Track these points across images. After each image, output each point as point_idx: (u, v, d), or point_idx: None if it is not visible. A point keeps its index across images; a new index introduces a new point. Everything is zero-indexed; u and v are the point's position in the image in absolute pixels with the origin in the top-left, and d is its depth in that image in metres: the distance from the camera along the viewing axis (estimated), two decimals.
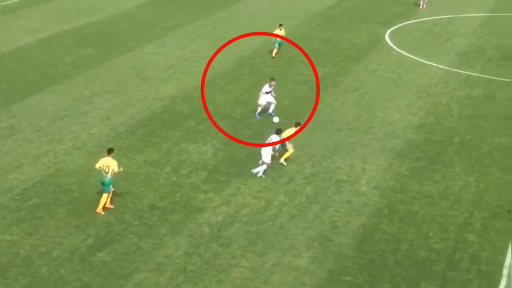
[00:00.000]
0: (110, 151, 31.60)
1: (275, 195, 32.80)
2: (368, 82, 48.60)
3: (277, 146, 35.26)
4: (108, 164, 31.01)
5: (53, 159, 36.15)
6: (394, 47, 57.39)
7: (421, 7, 72.16)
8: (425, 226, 30.55)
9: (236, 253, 28.14)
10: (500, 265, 27.79)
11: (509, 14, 69.59)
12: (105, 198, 31.13)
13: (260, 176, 34.49)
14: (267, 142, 34.91)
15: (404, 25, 64.24)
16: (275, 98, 42.26)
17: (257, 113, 42.16)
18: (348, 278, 26.82)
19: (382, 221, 30.88)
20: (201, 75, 49.55)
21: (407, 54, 55.28)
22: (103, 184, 31.14)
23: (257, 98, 42.28)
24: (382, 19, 66.11)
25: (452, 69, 51.78)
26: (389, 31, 62.09)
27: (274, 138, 35.04)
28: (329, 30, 62.22)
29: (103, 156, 31.44)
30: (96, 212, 30.93)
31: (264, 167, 34.72)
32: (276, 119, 38.95)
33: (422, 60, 53.79)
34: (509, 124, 41.76)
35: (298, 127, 36.33)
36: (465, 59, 54.40)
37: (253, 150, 37.50)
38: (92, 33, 60.02)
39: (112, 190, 31.28)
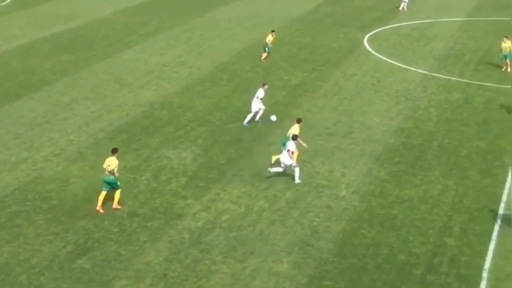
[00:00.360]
0: (114, 151, 32.10)
1: (255, 201, 32.78)
2: (347, 87, 48.73)
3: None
4: (110, 163, 31.61)
5: (32, 166, 35.98)
6: (373, 51, 57.60)
7: (401, 9, 72.67)
8: (404, 230, 30.62)
9: (217, 259, 28.09)
10: (480, 268, 27.88)
11: (486, 19, 69.97)
12: (118, 195, 31.67)
13: (298, 182, 34.34)
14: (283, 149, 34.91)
15: (382, 29, 64.53)
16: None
17: (246, 121, 41.69)
18: (328, 283, 26.82)
19: (362, 225, 30.92)
20: (180, 81, 49.53)
21: (385, 59, 55.49)
22: (109, 183, 31.59)
23: (235, 101, 42.22)
24: (361, 24, 66.38)
25: (430, 74, 52.02)
26: (367, 36, 62.34)
27: (288, 142, 34.96)
28: (307, 35, 62.37)
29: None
30: (113, 209, 31.52)
31: (297, 170, 34.60)
32: (273, 117, 39.91)
33: (401, 65, 54.00)
34: (487, 127, 41.98)
35: (301, 123, 36.83)
36: (443, 64, 54.65)
37: (232, 156, 37.54)
38: (71, 39, 59.88)
39: (113, 188, 31.73)
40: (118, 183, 31.79)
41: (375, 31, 64.10)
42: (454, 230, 30.69)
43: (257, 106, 41.91)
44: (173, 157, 37.25)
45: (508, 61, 52.06)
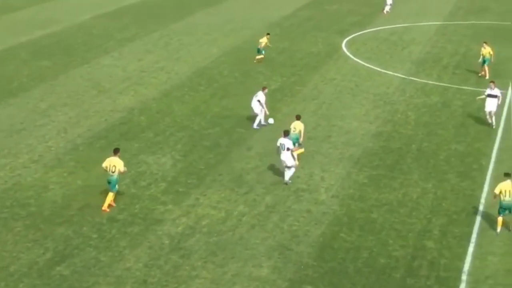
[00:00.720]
0: (116, 151, 32.60)
1: (234, 206, 32.76)
2: (325, 91, 48.82)
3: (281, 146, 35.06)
4: (115, 164, 32.02)
5: (9, 173, 35.75)
6: (351, 56, 57.78)
7: (385, 12, 73.21)
8: (384, 233, 30.69)
9: (197, 264, 28.03)
10: (459, 271, 28.00)
11: (462, 23, 70.36)
12: (110, 197, 32.06)
13: (287, 181, 34.69)
14: (278, 146, 34.91)
15: (360, 34, 64.74)
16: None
17: (256, 124, 42.03)
18: (308, 287, 26.82)
19: (341, 229, 30.96)
20: (159, 86, 49.46)
21: (364, 63, 55.68)
22: (109, 183, 32.14)
23: (214, 107, 42.26)
24: (339, 28, 66.60)
25: (408, 77, 52.23)
26: (345, 40, 62.53)
27: (284, 140, 34.95)
28: (286, 40, 62.47)
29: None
30: (102, 210, 31.79)
31: (292, 170, 34.85)
32: (271, 120, 41.35)
33: (379, 69, 54.20)
34: (465, 131, 42.18)
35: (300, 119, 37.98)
36: (421, 67, 54.89)
37: (211, 161, 37.50)
38: (48, 45, 59.66)
39: (109, 188, 32.16)
40: (117, 186, 32.28)
41: (353, 35, 64.31)
42: (433, 233, 30.79)
43: (258, 108, 42.12)
44: (152, 162, 37.15)
45: (486, 66, 52.27)
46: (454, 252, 29.31)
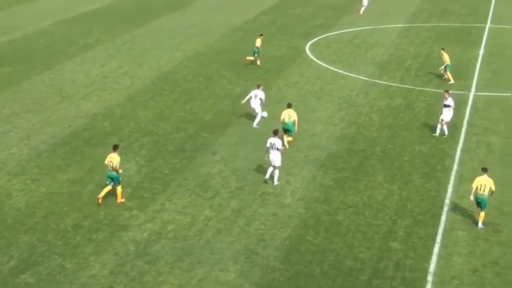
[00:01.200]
0: (115, 147, 33.53)
1: (200, 210, 32.67)
2: (290, 94, 48.85)
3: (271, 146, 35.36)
4: (112, 159, 32.89)
5: None
6: (315, 59, 57.92)
7: (361, 13, 73.86)
8: (350, 235, 30.78)
9: (163, 270, 27.90)
10: (425, 271, 28.16)
11: (425, 25, 70.87)
12: (120, 189, 32.97)
13: (277, 183, 35.05)
14: (268, 146, 35.22)
15: (324, 37, 64.91)
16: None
17: (257, 122, 42.81)
18: None
19: (307, 232, 31.01)
20: (122, 91, 49.22)
21: (327, 66, 55.84)
22: (112, 178, 32.89)
23: (178, 111, 42.11)
24: (302, 32, 66.74)
25: (372, 80, 52.47)
26: (309, 43, 62.69)
27: (274, 140, 35.23)
28: (250, 43, 62.28)
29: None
30: (117, 203, 32.80)
31: (278, 172, 35.16)
32: (265, 114, 41.95)
33: (343, 72, 54.39)
34: (429, 132, 42.43)
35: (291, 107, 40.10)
36: (384, 70, 55.15)
37: (177, 166, 37.38)
38: (10, 51, 59.13)
39: (114, 184, 33.02)
40: (120, 179, 33.08)
41: (317, 38, 64.49)
42: (398, 234, 30.94)
43: (259, 107, 42.71)
44: None
45: (448, 72, 52.59)
46: (420, 253, 29.47)
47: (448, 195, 34.54)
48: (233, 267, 28.14)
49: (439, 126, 41.69)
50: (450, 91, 43.06)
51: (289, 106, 40.08)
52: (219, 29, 67.22)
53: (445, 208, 33.20)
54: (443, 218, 32.32)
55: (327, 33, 66.61)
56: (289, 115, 39.43)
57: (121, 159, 37.41)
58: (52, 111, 45.26)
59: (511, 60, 58.79)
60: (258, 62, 55.68)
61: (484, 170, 31.95)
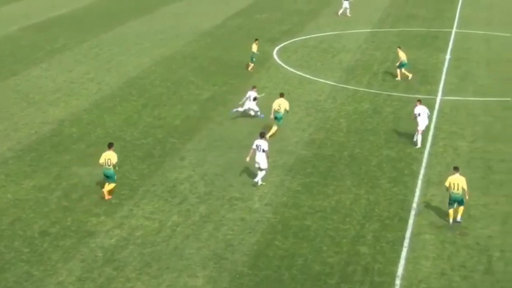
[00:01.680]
0: (110, 145, 34.46)
1: (168, 216, 32.56)
2: (259, 99, 48.75)
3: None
4: (110, 157, 33.78)
5: None
6: (282, 64, 58.02)
7: (340, 14, 74.98)
8: (318, 240, 30.83)
9: (131, 276, 27.77)
10: (393, 275, 28.28)
11: (391, 30, 71.29)
12: (112, 186, 33.91)
13: (261, 184, 35.48)
14: (254, 148, 35.53)
15: (291, 42, 65.02)
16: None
17: (258, 113, 44.72)
18: None
19: (276, 237, 31.02)
20: (89, 97, 48.95)
21: (295, 71, 55.96)
22: (108, 176, 33.83)
23: (146, 117, 42.05)
24: (269, 37, 66.80)
25: (339, 85, 52.64)
26: (276, 48, 62.79)
27: (260, 142, 35.47)
28: (217, 49, 62.49)
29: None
30: (105, 198, 33.71)
31: (263, 173, 35.34)
32: (241, 109, 44.23)
33: (310, 77, 54.53)
34: (396, 136, 42.66)
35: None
36: (351, 75, 55.36)
37: (144, 171, 37.25)
38: None
39: (109, 181, 34.00)
40: (115, 177, 33.98)
41: (284, 43, 64.61)
42: (367, 238, 31.06)
43: (255, 106, 44.32)
44: (85, 174, 36.71)
45: (403, 69, 53.25)
46: (388, 257, 29.60)
47: (416, 199, 34.74)
48: (201, 273, 28.07)
49: (415, 135, 41.56)
50: (419, 98, 43.45)
51: (281, 95, 42.62)
52: (186, 35, 67.13)
53: (413, 212, 33.39)
54: (411, 222, 32.50)
55: (294, 38, 66.77)
56: (279, 105, 41.69)
57: (89, 165, 37.38)
58: (19, 117, 44.91)
59: (476, 64, 59.30)
60: (250, 68, 55.80)
61: (456, 169, 32.50)
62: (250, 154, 35.67)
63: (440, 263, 29.22)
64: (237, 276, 27.98)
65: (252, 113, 44.73)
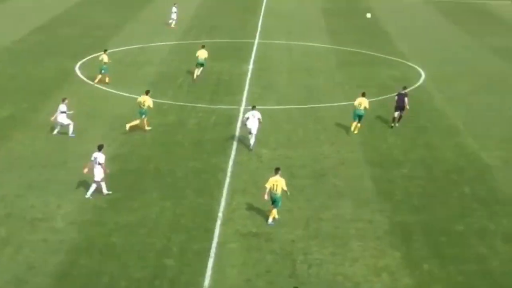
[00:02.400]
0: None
1: None
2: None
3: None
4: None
5: None
6: (85, 79, 56.91)
7: (172, 25, 74.84)
8: (124, 256, 30.32)
9: None
10: (200, 286, 28.27)
11: (195, 42, 71.80)
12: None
13: (108, 193, 35.39)
14: (92, 160, 35.43)
15: (94, 57, 63.82)
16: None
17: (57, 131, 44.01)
18: None
19: (80, 256, 30.23)
20: None
21: (99, 86, 55.02)
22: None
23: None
24: (71, 53, 65.37)
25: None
26: (79, 63, 61.56)
27: (97, 154, 35.30)
28: (17, 65, 60.56)
29: None
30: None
31: (94, 186, 35.10)
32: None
33: (115, 91, 53.81)
34: (201, 148, 42.81)
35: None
36: (157, 87, 54.83)
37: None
38: None
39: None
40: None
41: (87, 58, 63.43)
42: (173, 250, 30.87)
43: (63, 119, 43.43)
44: None
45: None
46: (194, 268, 29.55)
47: (221, 208, 34.94)
48: None
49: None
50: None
51: (147, 93, 45.87)
52: None
53: (218, 222, 33.53)
54: (217, 231, 32.62)
55: (96, 52, 65.62)
56: (144, 101, 44.96)
57: None
58: None
59: (278, 74, 60.69)
60: (107, 80, 55.00)
61: (277, 170, 33.57)
62: (88, 166, 35.44)
63: (246, 270, 29.47)
64: None
65: (58, 128, 43.75)
